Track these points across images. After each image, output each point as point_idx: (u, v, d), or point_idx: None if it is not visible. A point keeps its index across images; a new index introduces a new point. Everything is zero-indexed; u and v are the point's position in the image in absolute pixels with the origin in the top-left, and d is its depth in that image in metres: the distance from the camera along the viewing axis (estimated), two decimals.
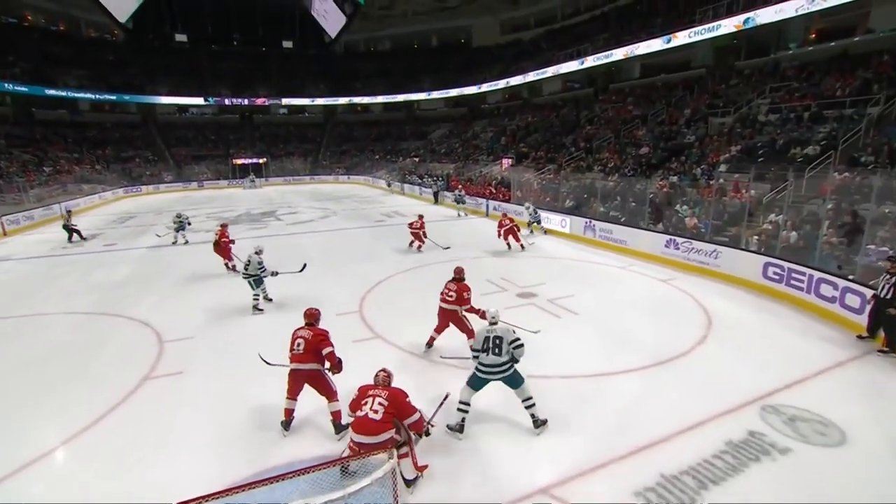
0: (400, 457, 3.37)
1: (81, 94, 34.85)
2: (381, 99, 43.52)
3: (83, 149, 32.68)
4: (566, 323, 7.06)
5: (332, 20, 42.00)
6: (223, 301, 8.30)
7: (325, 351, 4.36)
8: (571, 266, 10.64)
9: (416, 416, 3.66)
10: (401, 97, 42.16)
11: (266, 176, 37.61)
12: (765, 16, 15.88)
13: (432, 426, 3.97)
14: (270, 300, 8.11)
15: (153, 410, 4.75)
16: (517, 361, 4.39)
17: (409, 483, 3.62)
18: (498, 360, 4.30)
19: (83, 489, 3.73)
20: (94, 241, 14.41)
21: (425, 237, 12.05)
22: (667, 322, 7.06)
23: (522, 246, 11.99)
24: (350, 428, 3.54)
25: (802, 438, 4.27)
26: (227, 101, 40.76)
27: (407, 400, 3.70)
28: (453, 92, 38.21)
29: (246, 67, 42.54)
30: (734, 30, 17.07)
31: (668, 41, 19.75)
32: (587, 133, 21.41)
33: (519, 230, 12.31)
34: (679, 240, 10.12)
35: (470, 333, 5.70)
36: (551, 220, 14.24)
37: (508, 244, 12.05)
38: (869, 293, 6.24)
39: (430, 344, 6.05)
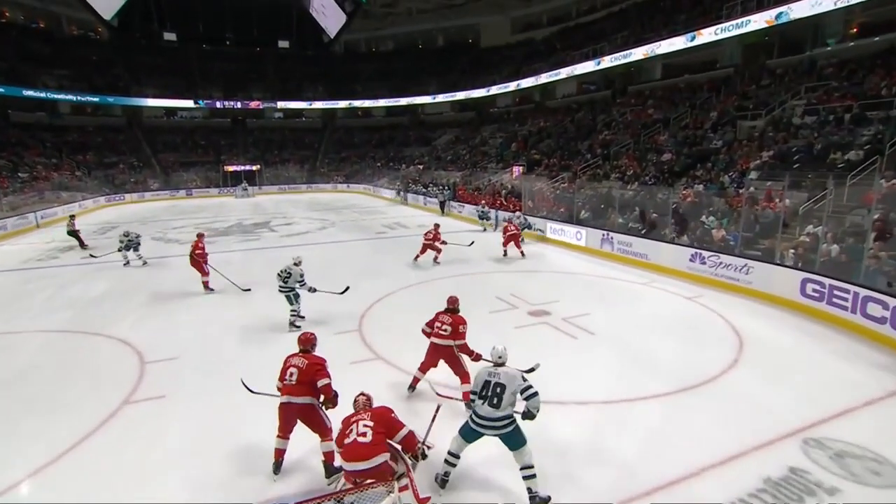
0: (400, 489, 3.32)
1: (62, 96, 35.51)
2: (382, 102, 44.09)
3: (62, 154, 33.19)
4: (582, 344, 7.01)
5: (331, 18, 42.81)
6: (211, 318, 8.33)
7: (321, 383, 4.17)
8: (587, 282, 10.62)
9: (405, 431, 3.65)
10: (404, 101, 42.69)
11: (259, 184, 38.09)
12: (799, 10, 15.89)
13: (428, 447, 3.85)
14: (303, 318, 8.01)
15: (131, 441, 4.70)
16: (532, 416, 3.87)
17: None
18: (494, 414, 3.81)
19: None
20: (71, 253, 14.56)
21: (443, 244, 12.19)
22: (693, 344, 6.99)
23: (522, 253, 12.70)
24: (341, 459, 3.50)
25: (853, 477, 4.14)
26: (218, 104, 41.47)
27: (393, 415, 3.72)
28: (460, 95, 38.67)
29: (239, 68, 43.37)
30: (765, 25, 17.13)
31: (692, 39, 19.94)
32: (604, 138, 21.51)
33: (521, 238, 13.01)
34: (706, 253, 10.07)
35: (465, 377, 5.27)
36: (565, 231, 14.25)
37: (506, 251, 12.79)
38: None
39: (412, 386, 5.54)
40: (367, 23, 43.79)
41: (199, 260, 9.92)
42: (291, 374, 4.20)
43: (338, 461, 3.89)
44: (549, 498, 3.87)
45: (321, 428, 4.23)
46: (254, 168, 39.33)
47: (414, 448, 3.69)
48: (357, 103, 44.67)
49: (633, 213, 13.21)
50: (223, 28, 45.12)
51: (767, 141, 14.27)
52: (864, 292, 7.19)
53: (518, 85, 32.29)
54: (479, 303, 8.88)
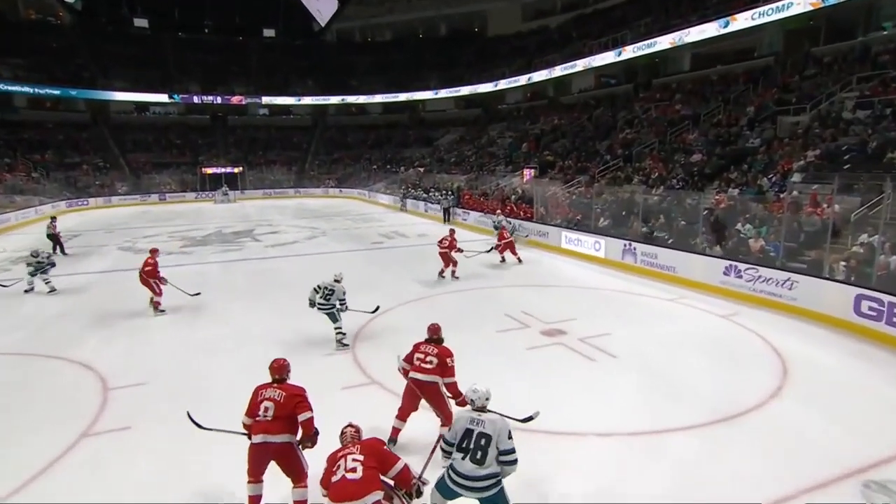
0: None
1: (16, 88, 35.93)
2: (379, 98, 44.55)
3: (17, 153, 33.48)
4: (602, 367, 6.98)
5: (322, 4, 43.46)
6: (185, 338, 8.33)
7: (304, 417, 4.01)
8: (607, 297, 10.61)
9: (400, 465, 3.61)
10: (403, 96, 43.15)
11: (242, 188, 38.43)
12: None
13: (423, 483, 3.81)
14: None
15: (88, 480, 4.63)
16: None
17: None
18: (477, 472, 3.51)
19: None
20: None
21: (459, 252, 12.27)
22: (728, 368, 6.94)
23: (519, 259, 13.53)
24: (329, 501, 3.41)
25: None
26: (195, 99, 41.98)
27: (385, 448, 3.71)
28: (465, 90, 39.06)
29: (219, 59, 43.99)
30: (810, 8, 17.13)
31: (726, 25, 20.08)
32: (625, 138, 21.61)
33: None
34: (742, 266, 10.03)
35: (448, 418, 4.86)
36: (582, 241, 14.26)
37: (503, 258, 13.65)
38: None
39: (393, 439, 5.06)
40: (362, 9, 44.40)
41: (148, 278, 9.68)
42: (266, 410, 4.01)
43: None
44: None
45: (297, 471, 4.06)
46: (235, 170, 39.66)
47: (409, 484, 3.65)
48: (351, 99, 45.14)
49: (658, 221, 13.21)
50: (201, 14, 45.81)
51: (813, 139, 14.29)
52: None
53: (529, 79, 32.61)
54: (486, 321, 8.90)
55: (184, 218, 26.12)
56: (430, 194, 26.34)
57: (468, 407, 3.88)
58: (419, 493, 3.74)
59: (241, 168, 39.86)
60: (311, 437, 4.04)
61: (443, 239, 12.07)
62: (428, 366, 4.97)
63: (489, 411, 3.80)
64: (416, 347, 5.15)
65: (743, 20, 19.42)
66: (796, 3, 17.40)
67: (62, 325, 9.10)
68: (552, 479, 4.51)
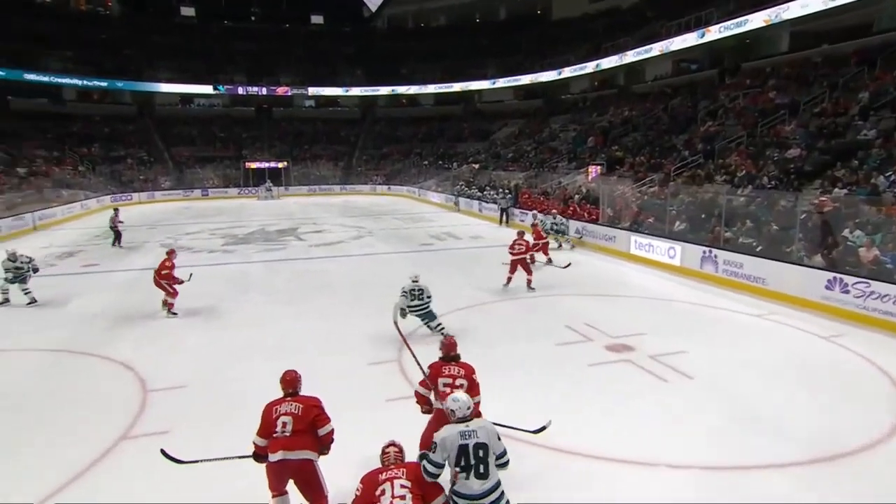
0: None
1: (66, 80, 38.57)
2: (432, 88, 44.99)
3: (65, 146, 35.92)
4: (676, 389, 6.72)
5: None
6: (225, 340, 8.65)
7: (325, 430, 4.10)
8: (682, 311, 10.27)
9: (443, 499, 3.57)
10: (457, 86, 43.39)
11: (286, 184, 39.81)
12: None
13: None
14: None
15: (126, 485, 4.85)
16: None
17: None
18: (486, 486, 3.48)
19: None
20: (71, 261, 15.67)
21: (532, 262, 12.16)
22: (831, 398, 6.52)
23: (549, 260, 13.64)
24: None
25: None
26: (240, 90, 43.81)
27: None
28: (525, 79, 38.87)
29: (265, 49, 45.64)
30: None
31: None
32: (707, 131, 20.86)
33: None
34: (849, 279, 9.44)
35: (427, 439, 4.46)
36: (654, 247, 13.84)
37: (533, 259, 13.29)
38: None
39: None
40: None
41: (162, 280, 9.94)
42: (285, 425, 4.03)
43: None
44: None
45: (317, 491, 4.07)
46: (280, 165, 41.13)
47: None
48: (401, 89, 45.78)
49: (744, 226, 12.66)
50: (248, 2, 47.64)
51: None
52: None
53: (597, 66, 32.06)
54: (544, 332, 8.80)
55: (226, 214, 27.31)
56: (485, 193, 26.32)
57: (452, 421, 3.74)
58: None
59: (285, 163, 41.30)
60: (328, 446, 4.17)
61: (515, 243, 11.52)
62: (460, 390, 4.59)
63: (471, 418, 3.69)
64: (438, 370, 4.79)
65: None
66: None
67: (104, 322, 9.67)
68: None
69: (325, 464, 4.17)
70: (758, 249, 11.80)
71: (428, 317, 8.58)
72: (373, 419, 5.76)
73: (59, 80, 38.57)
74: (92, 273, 14.08)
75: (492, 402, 5.78)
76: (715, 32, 23.90)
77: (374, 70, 45.74)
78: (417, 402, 4.87)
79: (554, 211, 18.89)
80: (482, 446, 3.51)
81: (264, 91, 44.32)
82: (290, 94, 45.34)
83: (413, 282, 8.63)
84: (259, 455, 4.14)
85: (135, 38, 42.47)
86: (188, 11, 46.43)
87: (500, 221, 22.06)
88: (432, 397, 4.80)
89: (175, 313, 10.03)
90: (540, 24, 43.21)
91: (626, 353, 7.84)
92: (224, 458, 4.34)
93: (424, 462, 3.56)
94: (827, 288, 9.74)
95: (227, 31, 46.80)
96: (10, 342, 8.74)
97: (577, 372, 7.22)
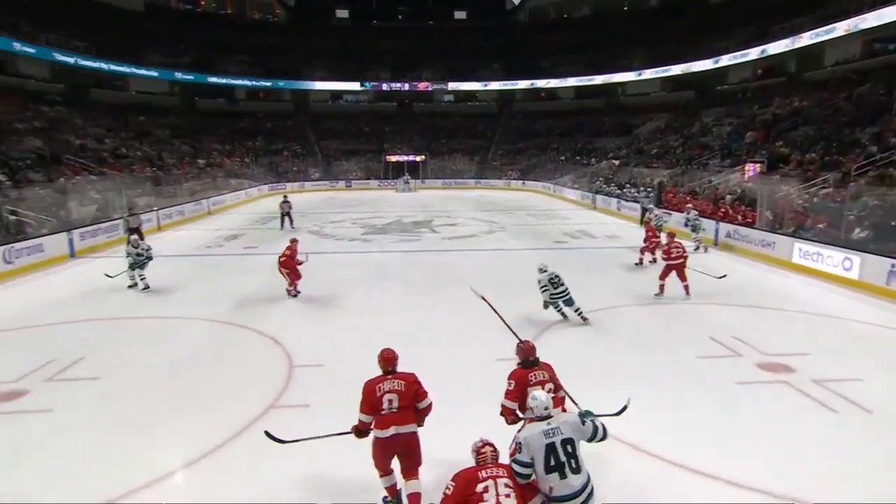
0: None
1: (239, 81, 44.13)
2: (572, 81, 44.04)
3: (235, 140, 40.91)
4: (846, 422, 5.87)
5: None
6: (361, 326, 9.15)
7: (425, 403, 4.36)
8: (859, 332, 8.95)
9: (539, 501, 3.50)
10: (599, 79, 42.04)
11: (423, 177, 41.29)
12: None
13: None
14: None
15: (273, 448, 5.32)
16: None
17: None
18: (582, 480, 3.40)
19: None
20: (236, 243, 17.61)
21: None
22: None
23: (655, 259, 12.78)
24: None
25: None
26: (384, 87, 46.35)
27: None
28: (676, 69, 36.59)
29: (409, 46, 47.60)
30: None
31: None
32: None
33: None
34: None
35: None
36: (824, 256, 12.27)
37: (641, 259, 13.30)
38: None
39: None
40: None
41: (284, 267, 10.76)
42: (391, 402, 4.24)
43: None
44: None
45: (418, 461, 4.31)
46: (418, 159, 42.83)
47: None
48: (540, 83, 45.34)
49: None
50: (397, 1, 49.99)
51: None
52: None
53: (763, 51, 29.20)
54: (684, 342, 8.22)
55: (367, 205, 28.91)
56: (625, 190, 25.20)
57: (528, 421, 3.72)
58: None
59: (423, 157, 42.88)
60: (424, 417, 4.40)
61: (672, 246, 10.51)
62: (550, 390, 4.48)
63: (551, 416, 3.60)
64: (524, 379, 4.47)
65: None
66: None
67: (259, 300, 10.71)
68: None
69: (449, 465, 4.21)
70: None
71: (570, 302, 8.85)
72: (495, 414, 5.79)
73: (234, 82, 44.19)
74: (251, 255, 15.70)
75: (619, 418, 5.52)
76: None
77: (513, 64, 45.75)
78: (503, 414, 4.49)
79: (689, 206, 17.64)
80: (568, 441, 3.44)
81: (406, 87, 46.40)
82: (430, 89, 46.90)
83: (543, 271, 8.94)
84: (361, 431, 4.34)
85: (296, 41, 46.58)
86: (342, 14, 50.01)
87: (641, 221, 20.95)
88: (517, 408, 4.46)
89: (296, 293, 10.82)
90: (694, 8, 40.16)
91: (783, 373, 7.03)
92: (324, 436, 4.56)
93: (513, 464, 3.50)
94: None
95: (375, 31, 49.57)
96: (189, 311, 10.01)
97: (722, 389, 6.61)
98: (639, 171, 28.03)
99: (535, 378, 4.51)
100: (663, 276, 10.62)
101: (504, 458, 3.82)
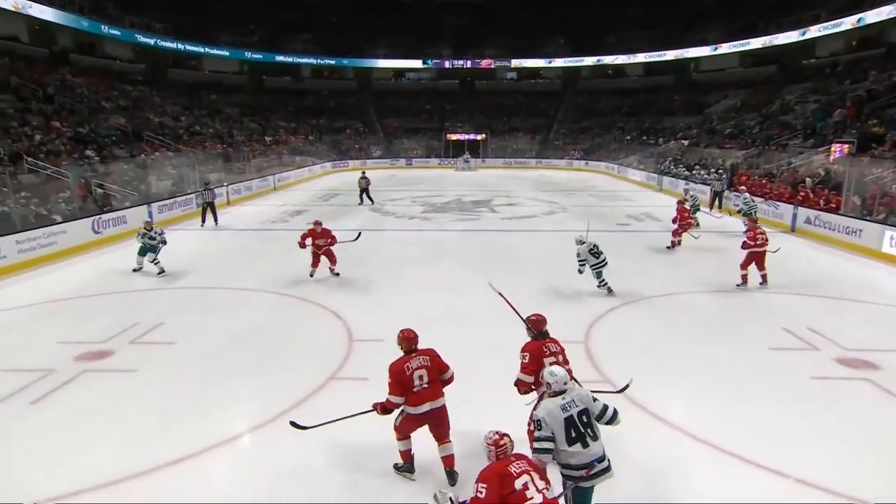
0: None
1: (304, 60, 45.10)
2: (641, 58, 42.47)
3: (300, 118, 41.98)
4: None
5: None
6: (420, 304, 9.25)
7: (449, 374, 4.59)
8: None
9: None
10: (671, 54, 40.31)
11: (483, 156, 41.06)
12: None
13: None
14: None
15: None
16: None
17: None
18: (602, 447, 3.56)
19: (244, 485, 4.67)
20: (297, 219, 18.11)
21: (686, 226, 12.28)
22: None
23: (675, 244, 13.01)
24: None
25: None
26: (446, 64, 46.14)
27: None
28: (756, 42, 34.50)
29: (472, 22, 46.98)
30: None
31: None
32: None
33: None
34: None
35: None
36: None
37: (674, 242, 13.09)
38: None
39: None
40: None
41: (318, 252, 10.71)
42: (421, 378, 4.43)
43: None
44: None
45: (448, 428, 4.52)
46: (478, 137, 42.56)
47: None
48: (607, 59, 43.94)
49: None
50: None
51: None
52: None
53: (859, 20, 26.97)
54: (754, 333, 7.86)
55: (426, 183, 29.06)
56: (694, 172, 24.17)
57: (545, 396, 3.76)
58: None
59: (483, 135, 42.53)
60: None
61: (757, 233, 9.81)
62: (563, 362, 4.57)
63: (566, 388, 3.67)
64: (539, 351, 4.56)
65: None
66: None
67: (319, 275, 10.98)
68: None
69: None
70: None
71: (604, 273, 9.41)
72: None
73: (300, 60, 45.18)
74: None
75: (680, 405, 5.42)
76: None
77: (578, 40, 44.38)
78: (517, 385, 4.58)
79: (742, 188, 16.80)
80: (584, 412, 3.56)
81: (469, 64, 45.97)
82: (493, 66, 46.30)
83: (581, 243, 9.39)
84: (387, 409, 4.48)
85: (359, 19, 46.75)
86: None
87: (711, 205, 20.05)
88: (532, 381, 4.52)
89: (337, 273, 10.86)
90: None
91: (866, 370, 6.62)
92: (348, 417, 4.68)
93: (536, 443, 3.54)
94: None
95: (438, 7, 48.97)
96: (255, 283, 10.44)
97: (795, 383, 6.29)
98: (710, 151, 26.85)
99: (549, 350, 4.61)
100: (746, 264, 9.92)
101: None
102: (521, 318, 4.95)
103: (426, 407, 4.40)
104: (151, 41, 34.90)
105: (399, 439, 4.60)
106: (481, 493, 3.20)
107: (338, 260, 10.98)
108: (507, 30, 46.24)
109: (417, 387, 4.41)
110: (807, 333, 7.73)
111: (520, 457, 3.43)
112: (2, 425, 5.46)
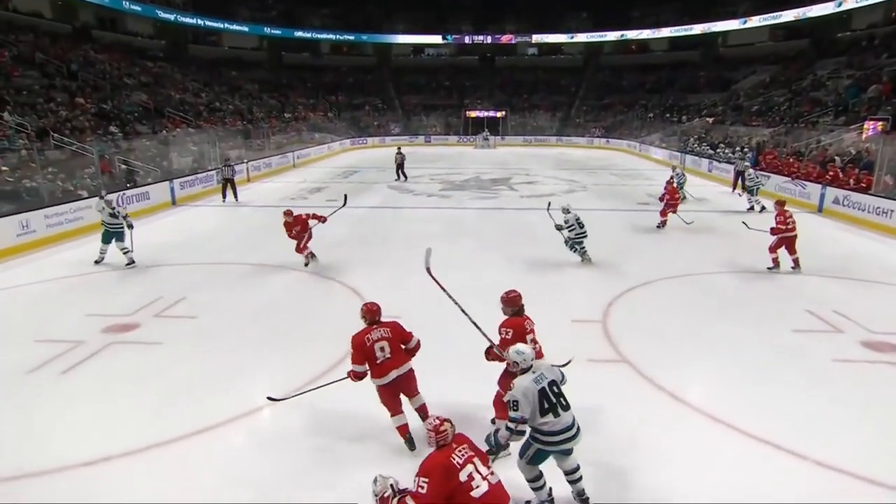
0: None
1: (323, 35, 44.85)
2: (666, 32, 41.40)
3: (319, 94, 41.87)
4: None
5: None
6: (439, 279, 9.32)
7: (413, 343, 4.80)
8: None
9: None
10: (698, 28, 39.23)
11: (502, 133, 40.71)
12: None
13: None
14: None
15: (349, 394, 5.54)
16: None
17: None
18: (572, 414, 3.80)
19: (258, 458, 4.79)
20: (318, 195, 18.21)
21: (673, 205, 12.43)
22: None
23: (663, 223, 13.03)
24: None
25: None
26: (466, 39, 45.54)
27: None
28: (788, 14, 33.40)
29: None
30: None
31: None
32: None
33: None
34: None
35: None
36: None
37: (664, 221, 13.04)
38: None
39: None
40: None
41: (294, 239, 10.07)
42: (383, 349, 4.58)
43: None
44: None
45: (416, 385, 4.74)
46: (498, 115, 42.11)
47: None
48: (631, 34, 43.00)
49: None
50: None
51: None
52: None
53: None
54: (777, 315, 7.75)
55: (445, 161, 28.94)
56: (719, 151, 23.67)
57: (515, 375, 3.87)
58: None
59: (503, 112, 42.07)
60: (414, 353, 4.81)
61: (787, 217, 9.33)
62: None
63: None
64: (521, 327, 4.55)
65: None
66: None
67: (340, 251, 11.11)
68: None
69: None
70: None
71: (584, 243, 9.93)
72: (575, 376, 5.76)
73: (318, 36, 44.94)
74: (333, 207, 16.12)
75: (699, 386, 5.35)
76: None
77: (601, 14, 43.39)
78: (489, 355, 4.58)
79: (746, 164, 16.78)
80: (553, 383, 3.77)
81: (489, 39, 45.34)
82: (514, 41, 45.59)
83: (568, 212, 9.92)
84: (359, 375, 4.63)
85: None
86: None
87: (734, 185, 19.65)
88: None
89: (312, 257, 10.22)
90: None
91: (891, 353, 6.51)
92: (322, 386, 4.97)
93: (510, 424, 3.71)
94: None
95: None
96: (275, 259, 10.56)
97: (818, 366, 6.21)
98: (735, 129, 26.24)
99: (529, 326, 4.69)
100: (776, 247, 9.59)
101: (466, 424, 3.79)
102: (462, 309, 4.85)
103: (392, 375, 4.58)
104: (171, 16, 35.03)
105: (391, 415, 4.70)
106: (422, 487, 3.10)
107: (361, 237, 11.00)
108: (528, 4, 45.39)
109: (380, 358, 4.56)
110: (832, 316, 7.60)
111: (461, 440, 3.39)
112: (34, 394, 5.66)
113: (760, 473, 4.39)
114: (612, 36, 43.40)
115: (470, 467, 3.22)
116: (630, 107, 40.00)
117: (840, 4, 29.58)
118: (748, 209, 14.98)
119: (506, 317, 4.78)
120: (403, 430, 4.68)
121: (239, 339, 7.04)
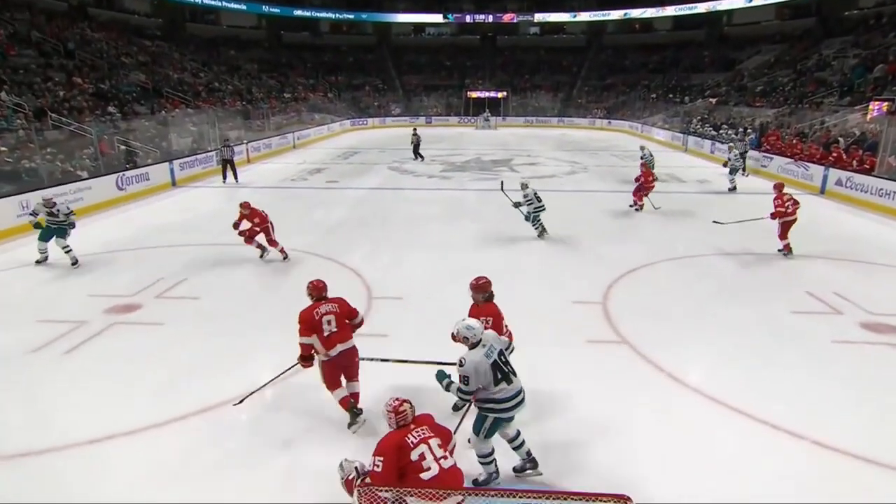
0: None
1: (323, 14, 44.31)
2: (671, 10, 40.78)
3: (319, 74, 41.42)
4: None
5: None
6: (437, 262, 9.32)
7: (358, 319, 4.92)
8: None
9: (454, 443, 3.65)
10: (703, 6, 38.67)
11: (504, 114, 40.38)
12: None
13: None
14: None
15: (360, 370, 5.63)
16: None
17: None
18: (520, 382, 3.97)
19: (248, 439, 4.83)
20: (319, 176, 18.17)
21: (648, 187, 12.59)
22: None
23: (639, 207, 12.93)
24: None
25: None
26: (468, 18, 44.93)
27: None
28: None
29: None
30: None
31: None
32: None
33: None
34: None
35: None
36: None
37: (637, 204, 12.97)
38: None
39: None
40: None
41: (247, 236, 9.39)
42: (330, 322, 4.68)
43: None
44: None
45: (357, 369, 4.88)
46: (499, 95, 41.71)
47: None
48: (635, 13, 42.36)
49: None
50: None
51: None
52: None
53: None
54: (776, 296, 7.78)
55: (446, 142, 28.72)
56: (722, 132, 23.50)
57: (467, 347, 3.93)
58: None
59: (504, 93, 41.66)
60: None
61: (786, 200, 9.20)
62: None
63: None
64: (498, 314, 4.85)
65: None
66: None
67: (340, 232, 11.10)
68: None
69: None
70: None
71: (541, 216, 10.46)
72: (574, 357, 5.79)
73: (318, 15, 44.39)
74: (333, 189, 16.17)
75: (699, 368, 5.38)
76: None
77: None
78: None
79: (731, 145, 17.15)
80: (501, 353, 3.91)
81: (490, 18, 44.73)
82: (515, 20, 45.01)
83: (526, 186, 10.48)
84: (306, 358, 4.76)
85: None
86: None
87: (744, 168, 19.51)
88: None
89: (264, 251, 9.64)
90: None
91: (891, 335, 6.53)
92: (274, 378, 5.10)
93: (459, 394, 3.87)
94: None
95: None
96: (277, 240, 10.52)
97: (818, 348, 6.24)
98: (738, 110, 26.00)
99: (501, 314, 4.88)
100: (783, 234, 9.43)
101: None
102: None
103: (338, 349, 4.69)
104: None
105: (331, 391, 4.80)
106: (378, 466, 3.17)
107: (361, 218, 10.97)
108: None
109: (327, 331, 4.67)
110: (832, 298, 7.62)
111: (422, 422, 3.40)
112: (38, 373, 5.71)
113: (759, 453, 4.43)
114: (615, 15, 42.76)
115: (423, 447, 3.24)
116: (633, 87, 39.58)
117: None
118: (729, 189, 15.56)
119: (475, 304, 4.87)
120: (345, 401, 4.80)
121: (240, 320, 7.07)
